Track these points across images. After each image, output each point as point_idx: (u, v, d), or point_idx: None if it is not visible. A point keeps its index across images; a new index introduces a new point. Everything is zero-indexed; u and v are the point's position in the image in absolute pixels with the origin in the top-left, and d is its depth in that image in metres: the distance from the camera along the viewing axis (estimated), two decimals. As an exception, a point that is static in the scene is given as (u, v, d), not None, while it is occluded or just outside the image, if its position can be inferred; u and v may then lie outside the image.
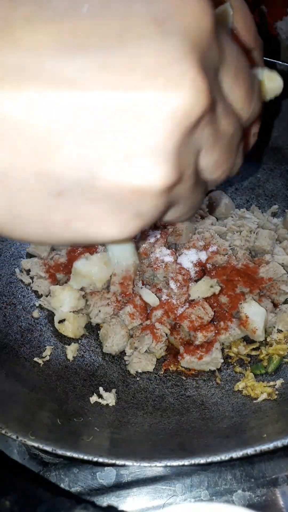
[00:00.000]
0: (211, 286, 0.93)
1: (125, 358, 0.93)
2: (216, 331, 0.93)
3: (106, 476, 0.79)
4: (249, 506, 0.76)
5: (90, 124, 0.36)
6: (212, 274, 0.97)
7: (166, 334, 0.94)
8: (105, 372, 0.92)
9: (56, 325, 0.96)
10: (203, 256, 0.97)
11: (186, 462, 0.64)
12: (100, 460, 0.64)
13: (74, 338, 0.95)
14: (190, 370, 0.92)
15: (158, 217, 0.43)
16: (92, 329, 0.98)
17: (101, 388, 0.88)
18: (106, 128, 0.36)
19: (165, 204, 0.42)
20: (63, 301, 0.95)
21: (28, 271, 1.03)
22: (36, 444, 0.66)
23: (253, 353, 0.94)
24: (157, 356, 0.93)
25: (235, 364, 0.93)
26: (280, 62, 1.11)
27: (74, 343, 0.95)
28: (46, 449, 0.65)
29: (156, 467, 0.77)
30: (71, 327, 0.95)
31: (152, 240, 0.98)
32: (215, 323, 0.94)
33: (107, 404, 0.85)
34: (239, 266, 0.97)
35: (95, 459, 0.64)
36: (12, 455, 0.81)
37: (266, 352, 0.92)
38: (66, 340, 0.96)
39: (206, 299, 0.94)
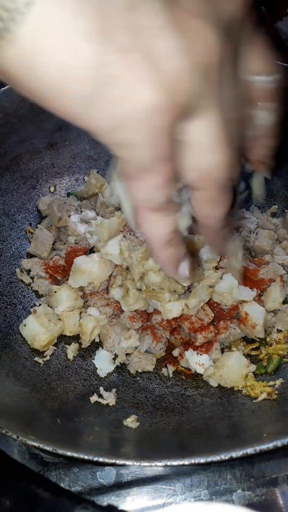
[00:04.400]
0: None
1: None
2: (216, 331, 0.93)
3: (106, 476, 0.79)
4: (248, 505, 0.76)
5: None
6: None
7: (167, 338, 0.94)
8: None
9: (56, 325, 0.96)
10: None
11: (186, 461, 0.64)
12: (100, 459, 0.64)
13: (74, 337, 0.95)
14: (190, 370, 0.92)
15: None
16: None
17: (101, 388, 0.88)
18: None
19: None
20: (60, 301, 0.95)
21: (28, 271, 1.03)
22: (36, 444, 0.66)
23: (253, 353, 0.94)
24: (157, 356, 0.94)
25: (235, 364, 0.93)
26: (280, 62, 1.11)
27: (74, 343, 0.95)
28: (47, 449, 0.65)
29: (156, 467, 0.77)
30: (67, 326, 0.95)
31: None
32: (215, 323, 0.94)
33: (107, 404, 0.85)
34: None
35: (95, 459, 0.64)
36: (12, 455, 0.81)
37: (266, 352, 0.93)
38: (66, 340, 0.96)
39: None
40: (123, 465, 0.66)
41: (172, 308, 0.90)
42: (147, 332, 0.92)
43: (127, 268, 0.94)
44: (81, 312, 0.96)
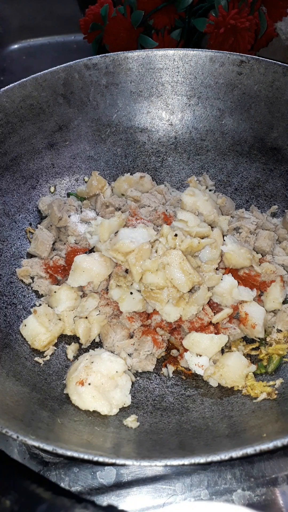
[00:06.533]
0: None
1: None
2: (216, 331, 0.93)
3: (106, 476, 0.79)
4: (248, 505, 0.76)
5: None
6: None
7: (168, 340, 0.94)
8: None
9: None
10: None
11: (186, 461, 0.64)
12: (100, 459, 0.64)
13: (74, 337, 0.95)
14: (190, 370, 0.92)
15: None
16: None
17: (101, 388, 0.88)
18: None
19: None
20: (60, 300, 0.95)
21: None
22: (36, 444, 0.66)
23: (253, 353, 0.94)
24: (157, 357, 0.93)
25: (235, 364, 0.93)
26: (280, 63, 1.11)
27: (75, 343, 0.95)
28: (47, 449, 0.65)
29: (156, 467, 0.77)
30: (67, 325, 0.95)
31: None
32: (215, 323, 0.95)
33: (107, 404, 0.85)
34: (241, 274, 0.97)
35: (95, 459, 0.64)
36: (12, 455, 0.81)
37: (266, 351, 0.93)
38: (66, 340, 0.96)
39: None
40: (123, 465, 0.66)
41: (171, 313, 0.90)
42: (148, 339, 0.92)
43: (126, 271, 0.94)
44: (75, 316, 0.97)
